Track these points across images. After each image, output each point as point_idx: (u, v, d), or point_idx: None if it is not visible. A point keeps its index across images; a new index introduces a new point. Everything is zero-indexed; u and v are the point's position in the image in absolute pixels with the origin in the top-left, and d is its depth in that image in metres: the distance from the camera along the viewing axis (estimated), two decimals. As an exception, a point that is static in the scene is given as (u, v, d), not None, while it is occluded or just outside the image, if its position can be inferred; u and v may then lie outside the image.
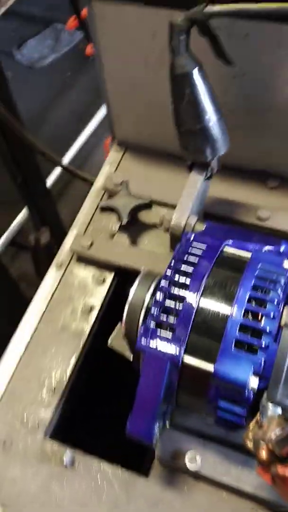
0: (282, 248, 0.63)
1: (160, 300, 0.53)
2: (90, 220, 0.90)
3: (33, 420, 0.71)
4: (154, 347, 0.51)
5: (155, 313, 0.53)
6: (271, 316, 0.50)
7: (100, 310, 0.81)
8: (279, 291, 0.51)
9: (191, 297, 0.52)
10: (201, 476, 0.64)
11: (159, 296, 0.53)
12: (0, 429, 0.71)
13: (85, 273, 0.85)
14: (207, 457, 0.63)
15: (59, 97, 3.07)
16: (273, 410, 0.48)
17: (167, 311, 0.53)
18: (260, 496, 0.60)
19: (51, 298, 0.82)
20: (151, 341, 0.52)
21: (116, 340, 0.70)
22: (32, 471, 0.67)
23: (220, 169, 0.76)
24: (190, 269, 0.54)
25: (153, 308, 0.53)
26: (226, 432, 0.65)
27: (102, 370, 0.84)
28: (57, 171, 2.34)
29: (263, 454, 0.45)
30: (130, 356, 0.65)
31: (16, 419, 0.71)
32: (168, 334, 0.52)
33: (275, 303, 0.50)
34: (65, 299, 0.82)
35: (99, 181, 0.94)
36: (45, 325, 0.80)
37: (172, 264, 0.55)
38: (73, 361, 0.76)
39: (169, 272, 0.55)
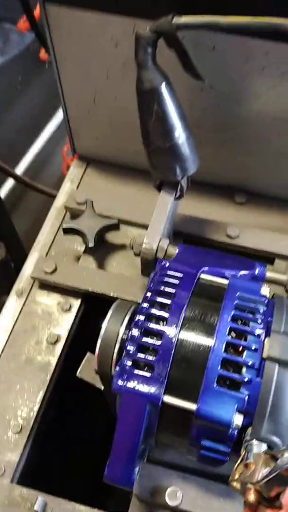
0: (256, 271, 0.61)
1: (137, 337, 0.50)
2: (52, 242, 0.85)
3: (-1, 465, 0.66)
4: (132, 387, 0.48)
5: (132, 351, 0.49)
6: (252, 348, 0.48)
7: (66, 340, 0.76)
8: (259, 321, 0.50)
9: (170, 332, 0.49)
10: (182, 511, 0.61)
11: (135, 332, 0.50)
12: None
13: (49, 301, 0.80)
14: (188, 491, 0.61)
15: (10, 103, 2.96)
16: (258, 447, 0.46)
17: (144, 348, 0.50)
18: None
19: (12, 329, 0.77)
20: (128, 382, 0.48)
21: (86, 370, 0.66)
22: (0, 521, 0.62)
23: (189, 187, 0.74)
24: (167, 301, 0.51)
25: (129, 346, 0.50)
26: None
27: (72, 404, 0.79)
28: (10, 181, 2.26)
29: (251, 497, 0.42)
30: (101, 386, 0.61)
31: (-20, 465, 0.66)
32: (146, 373, 0.48)
33: (256, 334, 0.48)
34: (28, 330, 0.77)
35: (60, 200, 0.90)
36: (8, 359, 0.74)
37: (148, 296, 0.52)
38: (40, 396, 0.71)
39: (145, 305, 0.52)
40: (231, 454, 0.49)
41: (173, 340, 0.48)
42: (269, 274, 0.63)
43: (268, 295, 0.54)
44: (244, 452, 0.47)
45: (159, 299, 0.51)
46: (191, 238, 0.81)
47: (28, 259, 0.85)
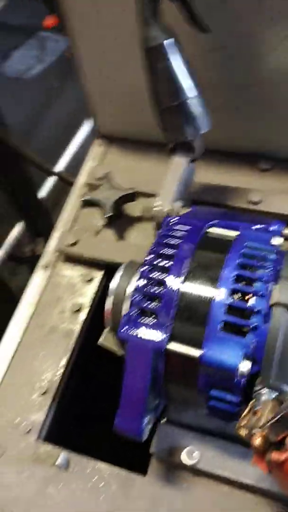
0: (272, 228, 0.60)
1: (142, 286, 0.50)
2: (74, 218, 0.87)
3: (25, 424, 0.68)
4: (136, 335, 0.48)
5: (137, 300, 0.50)
6: (260, 294, 0.47)
7: (89, 309, 0.78)
8: (267, 268, 0.49)
9: (173, 281, 0.49)
10: (199, 471, 0.61)
11: (140, 282, 0.51)
12: (-9, 435, 0.68)
13: (72, 273, 0.82)
14: (205, 451, 0.60)
15: (48, 106, 3.05)
16: (267, 395, 0.45)
17: (149, 297, 0.50)
18: (262, 488, 0.57)
19: (38, 300, 0.80)
20: (133, 329, 0.49)
21: (107, 338, 0.67)
22: (26, 476, 0.64)
23: (204, 151, 0.73)
24: (171, 252, 0.51)
25: (134, 295, 0.50)
26: (223, 424, 0.62)
27: (95, 369, 0.81)
28: (49, 182, 2.32)
29: (258, 441, 0.42)
30: (121, 353, 0.62)
31: (8, 424, 0.69)
32: (150, 321, 0.49)
33: (263, 280, 0.48)
34: (53, 301, 0.79)
35: (82, 178, 0.92)
36: (34, 328, 0.77)
37: (153, 248, 0.53)
38: (63, 362, 0.73)
39: (150, 257, 0.52)
40: (241, 406, 0.49)
41: (177, 288, 0.49)
42: (286, 231, 0.61)
43: (279, 245, 0.52)
44: (253, 401, 0.46)
45: (164, 251, 0.52)
46: (213, 207, 0.81)
47: (53, 235, 0.87)
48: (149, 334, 0.48)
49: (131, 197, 0.79)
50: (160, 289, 0.50)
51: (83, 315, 0.77)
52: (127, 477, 0.63)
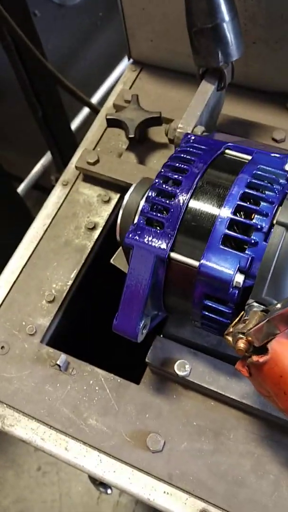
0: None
1: (152, 197, 0.52)
2: (99, 139, 0.88)
3: (31, 327, 0.72)
4: (141, 241, 0.50)
5: (145, 209, 0.52)
6: (264, 213, 0.48)
7: (103, 228, 0.81)
8: (275, 190, 0.49)
9: (182, 195, 0.50)
10: (189, 384, 0.64)
11: (150, 193, 0.52)
12: (-2, 334, 0.73)
13: (90, 192, 0.84)
14: (197, 366, 0.64)
15: (90, 38, 2.96)
16: (258, 309, 0.47)
17: (157, 208, 0.52)
18: (246, 403, 0.61)
19: (55, 214, 0.82)
20: (139, 236, 0.51)
21: (119, 258, 0.69)
22: (27, 373, 0.69)
23: (235, 85, 0.72)
24: (185, 167, 0.52)
25: (144, 205, 0.52)
26: (217, 343, 0.65)
27: (103, 285, 0.84)
28: (82, 114, 2.30)
29: (241, 345, 0.44)
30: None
31: (15, 325, 0.73)
32: (156, 230, 0.51)
33: (269, 201, 0.48)
34: (69, 216, 0.82)
35: (111, 100, 0.92)
36: (48, 239, 0.80)
37: (168, 162, 0.54)
38: (74, 274, 0.76)
39: (163, 170, 0.53)
40: (233, 318, 0.51)
41: (184, 201, 0.50)
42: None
43: (291, 171, 0.53)
44: (243, 312, 0.48)
45: (178, 165, 0.53)
46: (234, 140, 0.80)
47: (76, 153, 0.88)
48: (154, 241, 0.50)
49: (156, 120, 0.79)
50: (168, 201, 0.51)
51: (97, 233, 0.80)
52: (121, 383, 0.67)
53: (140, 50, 0.94)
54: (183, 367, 0.63)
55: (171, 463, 0.62)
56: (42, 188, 2.29)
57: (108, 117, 0.79)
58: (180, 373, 0.63)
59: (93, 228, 0.80)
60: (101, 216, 0.81)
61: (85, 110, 2.20)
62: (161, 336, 0.67)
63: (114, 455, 0.63)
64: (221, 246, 0.48)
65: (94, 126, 0.90)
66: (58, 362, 0.68)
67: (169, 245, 0.50)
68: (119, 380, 0.68)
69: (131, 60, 0.97)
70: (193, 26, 0.64)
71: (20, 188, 2.13)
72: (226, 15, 0.62)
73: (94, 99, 2.49)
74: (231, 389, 0.62)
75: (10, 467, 1.73)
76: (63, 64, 2.82)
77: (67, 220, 0.82)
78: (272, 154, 0.56)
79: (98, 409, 0.66)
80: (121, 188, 0.82)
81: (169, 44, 0.89)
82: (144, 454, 0.62)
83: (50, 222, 0.82)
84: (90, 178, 0.84)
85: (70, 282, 0.76)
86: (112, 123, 0.79)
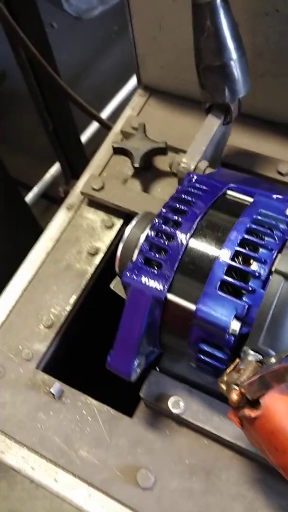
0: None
1: (151, 237, 0.52)
2: (105, 164, 0.88)
3: (27, 352, 0.72)
4: (139, 281, 0.50)
5: (144, 249, 0.51)
6: (262, 260, 0.47)
7: (105, 254, 0.80)
8: (275, 237, 0.49)
9: (181, 236, 0.50)
10: (183, 421, 0.64)
11: (150, 233, 0.52)
12: (-6, 357, 0.73)
13: (94, 217, 0.84)
14: (191, 403, 0.63)
15: (104, 50, 2.99)
16: (253, 357, 0.47)
17: (156, 248, 0.52)
18: (238, 445, 0.60)
19: (58, 238, 0.82)
20: (137, 276, 0.51)
21: (118, 284, 0.69)
22: (21, 399, 0.69)
23: (243, 116, 0.72)
24: (185, 208, 0.52)
25: (143, 244, 0.52)
26: (212, 381, 0.64)
27: (102, 312, 0.84)
28: (93, 126, 2.31)
29: (234, 396, 0.44)
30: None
31: (11, 349, 0.73)
32: (154, 270, 0.50)
33: (268, 248, 0.48)
34: (72, 240, 0.82)
35: (119, 125, 0.92)
36: (50, 263, 0.80)
37: (169, 202, 0.54)
38: (73, 299, 0.76)
39: (164, 210, 0.53)
40: (229, 364, 0.50)
41: (183, 243, 0.50)
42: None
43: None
44: (238, 360, 0.48)
45: (178, 206, 0.52)
46: (240, 172, 0.80)
47: (81, 178, 0.89)
48: (151, 282, 0.50)
49: (162, 150, 0.79)
50: (167, 242, 0.51)
51: (98, 259, 0.80)
52: (114, 416, 0.67)
53: (150, 77, 0.94)
54: (177, 404, 0.63)
55: (161, 502, 0.61)
56: (51, 198, 2.30)
57: (114, 145, 0.79)
58: (174, 411, 0.62)
59: (95, 253, 0.80)
60: (103, 242, 0.81)
61: (96, 123, 2.21)
62: (157, 370, 0.66)
63: (104, 490, 0.62)
64: (219, 292, 0.47)
65: (101, 151, 0.90)
66: (52, 390, 0.67)
67: (166, 286, 0.49)
68: (112, 412, 0.67)
69: (141, 86, 0.97)
70: (201, 63, 0.64)
71: (29, 196, 2.14)
72: (234, 54, 0.62)
73: (107, 111, 2.51)
74: (225, 429, 0.61)
75: (3, 478, 1.72)
76: (77, 75, 2.84)
77: (70, 244, 0.82)
78: (275, 196, 0.56)
79: (90, 441, 0.65)
80: (125, 214, 0.82)
81: (179, 72, 0.89)
82: (134, 490, 0.62)
83: (53, 246, 0.82)
84: (95, 203, 0.84)
85: (68, 308, 0.75)
86: (118, 151, 0.79)
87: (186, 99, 0.93)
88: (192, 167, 0.66)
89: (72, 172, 1.94)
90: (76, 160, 1.92)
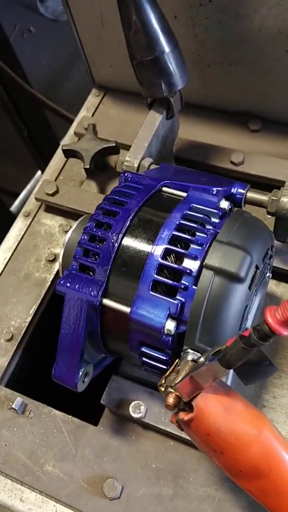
0: (234, 190, 0.58)
1: (83, 241, 0.50)
2: (62, 167, 0.87)
3: (-11, 368, 0.71)
4: (72, 288, 0.49)
5: (77, 255, 0.50)
6: (193, 256, 0.46)
7: (65, 259, 0.79)
8: (207, 231, 0.47)
9: (113, 238, 0.48)
10: (147, 425, 0.62)
11: (83, 237, 0.50)
12: None
13: (52, 222, 0.82)
14: (152, 406, 0.62)
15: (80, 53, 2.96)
16: (192, 356, 0.45)
17: (89, 252, 0.50)
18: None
19: (16, 247, 0.81)
20: (70, 283, 0.49)
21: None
22: (-16, 416, 0.68)
23: (196, 107, 0.71)
24: (117, 209, 0.50)
25: (76, 250, 0.50)
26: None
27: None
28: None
29: (169, 400, 0.42)
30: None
31: (-27, 366, 0.71)
32: (88, 276, 0.49)
33: (199, 243, 0.46)
34: (30, 248, 0.80)
35: (73, 127, 0.90)
36: (8, 274, 0.78)
37: (101, 205, 0.52)
38: (33, 310, 0.75)
39: (96, 212, 0.51)
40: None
41: (114, 245, 0.48)
42: (250, 194, 0.59)
43: (226, 208, 0.51)
44: (177, 360, 0.46)
45: (110, 207, 0.51)
46: (194, 165, 0.78)
47: (38, 184, 0.87)
48: (85, 288, 0.48)
49: (114, 149, 0.77)
50: (99, 246, 0.49)
51: (57, 265, 0.78)
52: (79, 425, 0.65)
53: (102, 75, 0.93)
54: (138, 409, 0.61)
55: (129, 511, 0.59)
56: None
57: (63, 148, 0.77)
58: (135, 415, 0.61)
59: (54, 259, 0.78)
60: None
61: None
62: (118, 375, 0.65)
63: (70, 504, 0.61)
64: (151, 292, 0.46)
65: (56, 155, 0.89)
66: (13, 406, 0.66)
67: (100, 292, 0.48)
68: (77, 422, 0.66)
69: (95, 85, 0.96)
70: (133, 59, 0.62)
71: (16, 203, 2.13)
72: (165, 47, 0.60)
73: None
74: (187, 430, 0.59)
75: None
76: (56, 77, 2.82)
77: (28, 252, 0.80)
78: (214, 189, 0.54)
79: (55, 454, 0.64)
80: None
81: (129, 69, 0.87)
82: (101, 501, 0.60)
83: (11, 256, 0.80)
84: (52, 209, 0.83)
85: (29, 319, 0.74)
86: (68, 153, 0.78)
87: (140, 95, 0.91)
88: (136, 164, 0.64)
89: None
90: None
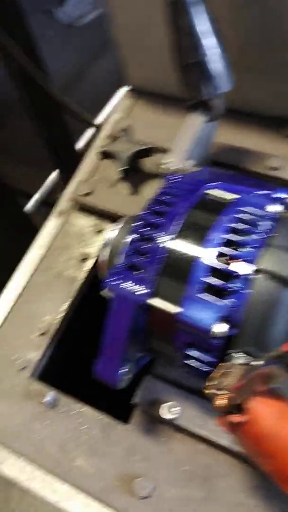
0: (276, 195, 0.58)
1: (132, 241, 0.50)
2: (93, 168, 0.87)
3: (21, 361, 0.71)
4: (121, 287, 0.49)
5: (125, 253, 0.50)
6: (244, 259, 0.46)
7: (96, 259, 0.79)
8: (258, 234, 0.47)
9: (162, 238, 0.49)
10: (179, 427, 0.62)
11: (130, 236, 0.51)
12: (-12, 368, 0.72)
13: (84, 222, 0.83)
14: (186, 408, 0.62)
15: (98, 56, 2.99)
16: (240, 360, 0.45)
17: (137, 252, 0.50)
18: (237, 450, 0.58)
19: (49, 245, 0.81)
20: (120, 281, 0.49)
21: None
22: (16, 409, 0.68)
23: (226, 112, 0.71)
24: (165, 209, 0.51)
25: (124, 249, 0.51)
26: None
27: (94, 317, 0.82)
28: (88, 133, 2.30)
29: (219, 402, 0.42)
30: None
31: (5, 359, 0.72)
32: (136, 275, 0.49)
33: (251, 246, 0.47)
34: (62, 247, 0.81)
35: (106, 128, 0.91)
36: (41, 271, 0.79)
37: (149, 205, 0.52)
38: (64, 307, 0.75)
39: (144, 213, 0.52)
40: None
41: (163, 245, 0.48)
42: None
43: (275, 212, 0.51)
44: (225, 363, 0.46)
45: (158, 208, 0.51)
46: (229, 169, 0.79)
47: (71, 184, 0.88)
48: (133, 287, 0.49)
49: (148, 152, 0.78)
50: (148, 245, 0.49)
51: (89, 265, 0.79)
52: (109, 423, 0.66)
53: (138, 78, 0.93)
54: (172, 410, 0.61)
55: (159, 511, 0.59)
56: (52, 205, 2.29)
57: (100, 150, 0.78)
58: (168, 417, 0.61)
59: (85, 259, 0.79)
60: (94, 247, 0.80)
61: (92, 129, 2.20)
62: (150, 375, 0.65)
63: (101, 499, 0.61)
64: (200, 295, 0.46)
65: (89, 155, 0.89)
66: (46, 399, 0.66)
67: (148, 290, 0.48)
68: (107, 420, 0.66)
69: (130, 88, 0.96)
70: (179, 61, 0.63)
71: (30, 204, 2.14)
72: (212, 49, 0.61)
73: (102, 117, 2.50)
74: (223, 434, 0.59)
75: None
76: (71, 82, 2.84)
77: (60, 251, 0.81)
78: (258, 192, 0.54)
79: (86, 449, 0.64)
80: (115, 218, 0.81)
81: (167, 72, 0.87)
82: (131, 499, 0.60)
83: (44, 254, 0.81)
84: (85, 208, 0.83)
85: (61, 315, 0.75)
86: (104, 155, 0.78)
87: (176, 99, 0.91)
88: (177, 167, 0.64)
89: (70, 178, 1.93)
90: (73, 167, 1.90)
